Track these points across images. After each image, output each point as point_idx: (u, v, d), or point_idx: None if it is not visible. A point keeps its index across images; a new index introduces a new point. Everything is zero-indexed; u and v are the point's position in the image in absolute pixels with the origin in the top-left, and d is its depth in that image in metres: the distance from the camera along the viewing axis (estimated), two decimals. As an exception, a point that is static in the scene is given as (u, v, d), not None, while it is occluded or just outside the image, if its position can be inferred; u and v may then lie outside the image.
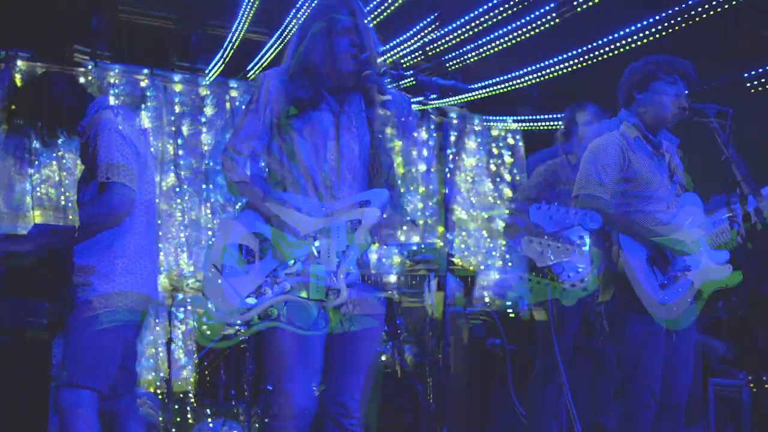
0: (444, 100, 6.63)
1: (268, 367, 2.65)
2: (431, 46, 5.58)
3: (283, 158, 2.71)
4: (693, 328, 3.44)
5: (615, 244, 3.31)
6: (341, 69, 2.70)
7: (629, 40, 5.12)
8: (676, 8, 4.81)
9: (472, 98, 6.55)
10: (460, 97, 6.57)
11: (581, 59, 5.46)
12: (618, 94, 3.55)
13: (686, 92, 3.36)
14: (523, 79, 6.01)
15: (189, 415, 4.20)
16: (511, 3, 4.74)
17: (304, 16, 2.81)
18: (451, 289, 5.79)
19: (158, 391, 4.36)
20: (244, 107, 2.77)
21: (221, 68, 6.07)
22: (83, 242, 3.01)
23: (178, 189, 6.12)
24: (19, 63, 5.68)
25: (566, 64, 5.55)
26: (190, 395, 4.45)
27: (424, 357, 5.07)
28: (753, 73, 5.40)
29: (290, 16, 5.29)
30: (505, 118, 7.25)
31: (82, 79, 5.78)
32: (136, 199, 3.03)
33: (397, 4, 4.94)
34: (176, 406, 4.18)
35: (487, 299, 6.62)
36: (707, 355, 5.43)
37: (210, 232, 6.14)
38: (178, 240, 6.07)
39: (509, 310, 5.73)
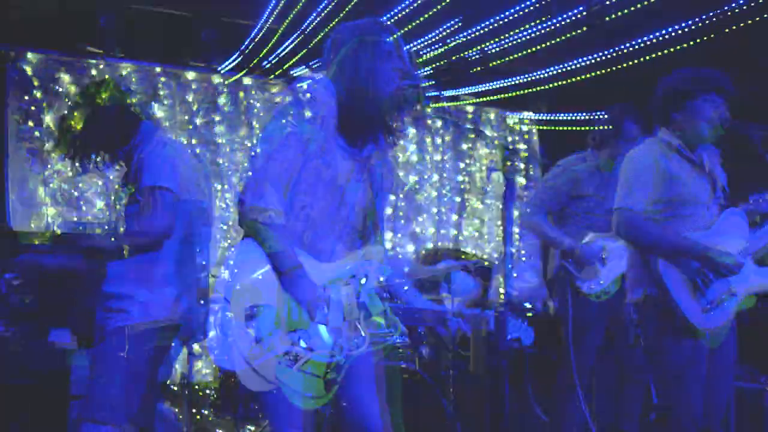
0: (459, 92, 6.57)
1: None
2: (453, 44, 5.50)
3: (297, 204, 2.56)
4: (732, 342, 3.35)
5: (654, 266, 3.22)
6: (382, 95, 2.55)
7: (656, 44, 5.04)
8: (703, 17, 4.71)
9: (491, 97, 6.49)
10: (476, 90, 6.53)
11: (606, 61, 5.38)
12: (653, 113, 3.44)
13: (724, 108, 3.26)
14: (544, 78, 5.92)
15: (208, 428, 4.18)
16: (541, 6, 4.64)
17: (336, 39, 2.62)
18: (470, 291, 5.75)
19: (176, 405, 4.32)
20: (263, 152, 2.54)
21: (235, 63, 5.98)
22: (121, 268, 2.96)
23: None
24: (30, 56, 5.63)
25: (591, 66, 5.46)
26: (210, 408, 4.42)
27: (441, 356, 5.04)
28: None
29: (312, 15, 5.21)
30: (521, 114, 7.17)
31: (93, 71, 5.76)
32: (177, 225, 2.99)
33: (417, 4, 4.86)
34: (197, 417, 4.15)
35: (500, 299, 6.57)
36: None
37: (224, 226, 6.09)
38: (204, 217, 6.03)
39: (528, 312, 5.67)
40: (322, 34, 5.35)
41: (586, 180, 4.53)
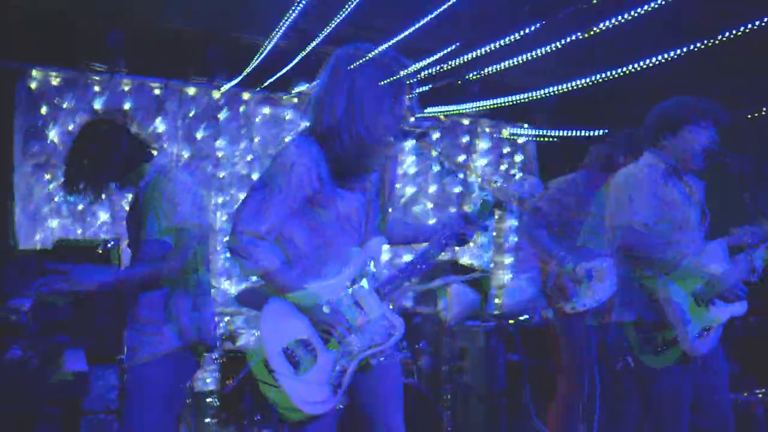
0: (457, 108, 6.64)
1: None
2: (452, 63, 5.56)
3: (301, 238, 2.61)
4: (721, 355, 3.41)
5: (660, 287, 3.26)
6: (391, 131, 2.59)
7: (650, 63, 5.11)
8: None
9: (487, 107, 6.56)
10: (474, 105, 6.61)
11: (602, 79, 5.45)
12: (645, 134, 3.49)
13: (715, 138, 3.33)
14: (540, 93, 6.00)
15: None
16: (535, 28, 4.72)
17: (344, 70, 2.57)
18: (469, 303, 5.83)
19: (182, 416, 4.37)
20: (263, 182, 2.57)
21: (238, 80, 6.06)
22: (153, 295, 3.01)
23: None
24: (36, 72, 5.70)
25: (587, 84, 5.53)
26: (215, 419, 4.47)
27: (439, 365, 5.10)
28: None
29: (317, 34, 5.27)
30: (518, 129, 7.26)
31: (98, 87, 5.83)
32: (199, 253, 3.07)
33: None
34: (201, 426, 4.21)
35: (496, 311, 6.64)
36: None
37: (226, 238, 6.14)
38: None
39: (524, 319, 5.71)
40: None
41: (591, 199, 4.55)
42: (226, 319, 4.82)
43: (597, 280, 4.43)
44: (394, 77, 2.55)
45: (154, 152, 3.19)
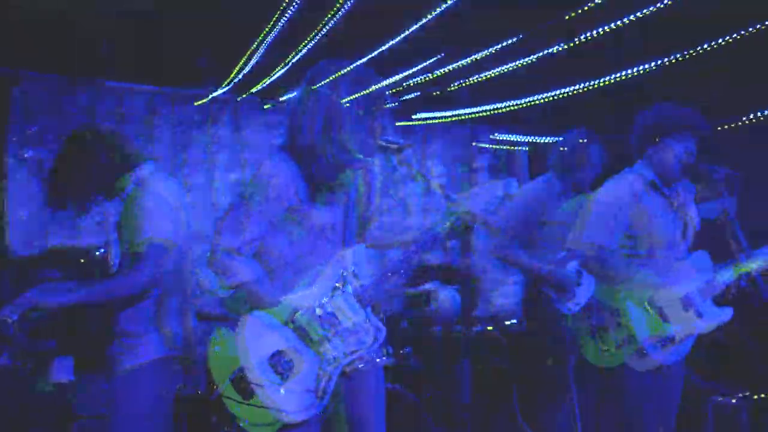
0: (447, 114, 6.69)
1: None
2: (434, 75, 5.64)
3: (281, 251, 2.68)
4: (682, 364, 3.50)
5: (619, 298, 3.36)
6: (366, 147, 2.67)
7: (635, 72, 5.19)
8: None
9: (476, 114, 6.63)
10: (463, 113, 6.68)
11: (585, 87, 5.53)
12: (632, 144, 3.55)
13: (694, 146, 3.38)
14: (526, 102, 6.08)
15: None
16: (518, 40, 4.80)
17: (320, 87, 2.65)
18: (458, 308, 5.88)
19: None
20: (242, 198, 2.64)
21: (228, 86, 6.13)
22: (131, 308, 3.04)
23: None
24: (31, 79, 5.76)
25: (571, 91, 5.61)
26: (204, 424, 4.52)
27: (425, 370, 5.16)
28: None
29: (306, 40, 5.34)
30: (508, 135, 7.33)
31: (92, 94, 5.90)
32: (176, 267, 3.09)
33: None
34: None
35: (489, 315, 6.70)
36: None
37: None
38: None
39: (509, 322, 5.78)
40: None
41: (553, 206, 4.58)
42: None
43: (577, 283, 4.50)
44: (369, 94, 2.63)
45: (139, 162, 3.17)
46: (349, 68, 2.68)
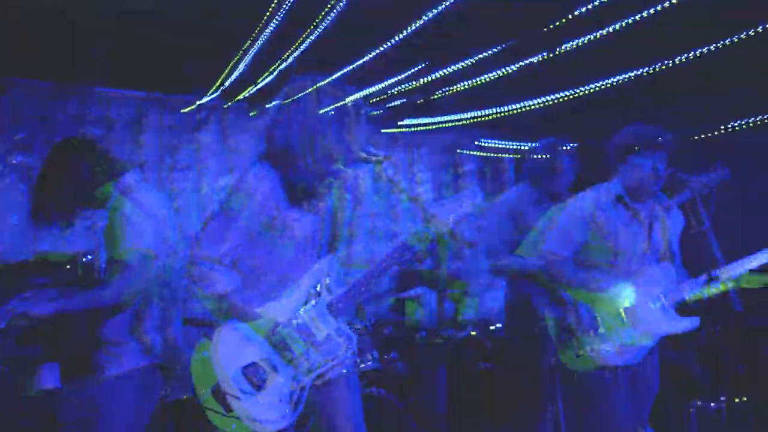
0: (433, 121, 6.75)
1: None
2: (418, 83, 5.71)
3: (259, 261, 2.74)
4: (652, 368, 3.59)
5: (577, 304, 3.46)
6: (343, 157, 2.74)
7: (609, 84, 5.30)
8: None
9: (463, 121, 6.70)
10: (448, 120, 6.75)
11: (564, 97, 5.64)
12: (605, 163, 3.66)
13: (664, 163, 3.47)
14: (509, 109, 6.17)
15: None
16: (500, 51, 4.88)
17: (298, 99, 2.75)
18: (442, 312, 5.94)
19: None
20: (222, 208, 2.70)
21: (216, 93, 6.18)
22: (115, 317, 3.06)
23: (175, 210, 6.25)
24: (19, 85, 5.78)
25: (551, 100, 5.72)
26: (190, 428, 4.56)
27: (411, 375, 5.21)
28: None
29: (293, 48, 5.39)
30: (494, 142, 7.41)
31: (81, 100, 5.92)
32: (155, 274, 3.11)
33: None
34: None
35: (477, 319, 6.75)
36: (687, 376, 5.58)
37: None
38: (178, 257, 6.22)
39: (495, 326, 5.84)
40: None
41: (530, 214, 4.65)
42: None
43: None
44: (347, 106, 2.73)
45: (123, 170, 3.20)
46: (325, 81, 2.78)
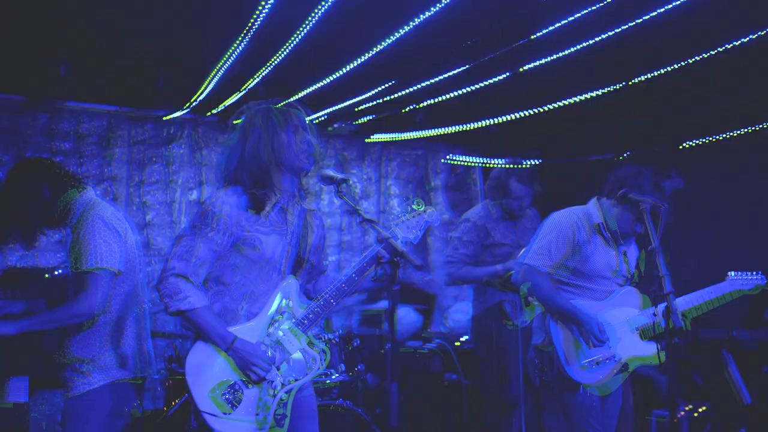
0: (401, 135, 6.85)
1: None
2: (390, 98, 5.82)
3: (228, 280, 2.82)
4: (619, 392, 3.70)
5: (546, 319, 3.59)
6: (302, 168, 2.88)
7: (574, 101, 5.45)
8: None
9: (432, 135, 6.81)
10: (420, 134, 6.86)
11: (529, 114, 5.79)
12: (604, 185, 3.76)
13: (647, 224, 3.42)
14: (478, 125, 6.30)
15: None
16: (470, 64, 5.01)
17: (251, 121, 2.88)
18: (412, 324, 6.03)
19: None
20: (192, 227, 2.78)
21: (188, 107, 6.23)
22: (81, 334, 3.06)
23: (145, 225, 6.29)
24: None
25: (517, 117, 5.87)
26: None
27: (382, 383, 5.27)
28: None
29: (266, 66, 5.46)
30: (463, 156, 7.52)
31: (52, 115, 5.92)
32: (125, 290, 3.13)
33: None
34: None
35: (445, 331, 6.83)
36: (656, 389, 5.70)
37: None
38: (146, 270, 6.23)
39: (463, 338, 5.92)
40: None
41: (496, 229, 4.93)
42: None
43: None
44: (298, 122, 2.88)
45: (81, 188, 3.19)
46: (280, 104, 2.94)
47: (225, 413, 2.69)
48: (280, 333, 2.82)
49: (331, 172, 2.84)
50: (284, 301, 2.86)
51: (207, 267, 2.79)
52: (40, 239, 5.51)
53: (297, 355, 2.83)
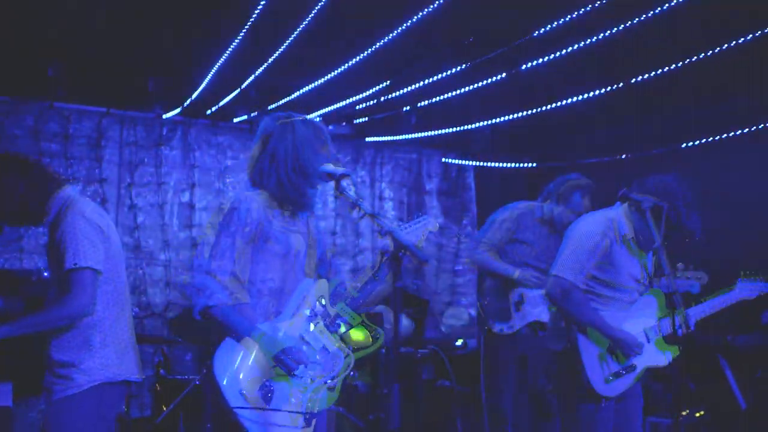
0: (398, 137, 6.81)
1: None
2: (386, 99, 5.77)
3: (259, 276, 2.84)
4: (639, 392, 3.63)
5: (572, 332, 3.51)
6: (324, 180, 2.88)
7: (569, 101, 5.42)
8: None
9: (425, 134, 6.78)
10: (413, 137, 6.82)
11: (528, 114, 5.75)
12: (631, 189, 3.59)
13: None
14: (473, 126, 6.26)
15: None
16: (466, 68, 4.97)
17: (275, 129, 2.93)
18: (404, 330, 5.96)
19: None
20: (218, 225, 2.82)
21: (179, 109, 6.17)
22: (62, 337, 2.97)
23: (135, 228, 6.21)
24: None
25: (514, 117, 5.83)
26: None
27: (375, 391, 5.20)
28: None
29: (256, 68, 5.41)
30: (456, 159, 7.48)
31: (41, 116, 5.85)
32: (108, 291, 3.03)
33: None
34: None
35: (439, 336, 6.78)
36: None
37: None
38: (136, 274, 6.17)
39: (459, 342, 5.86)
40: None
41: (528, 229, 4.78)
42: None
43: (516, 306, 4.64)
44: (317, 132, 2.95)
45: (61, 186, 3.08)
46: (300, 118, 2.98)
47: (259, 408, 2.68)
48: (313, 331, 2.83)
49: (330, 168, 2.84)
50: (317, 300, 2.88)
51: (232, 264, 2.79)
52: (26, 241, 5.47)
53: (327, 353, 2.83)
